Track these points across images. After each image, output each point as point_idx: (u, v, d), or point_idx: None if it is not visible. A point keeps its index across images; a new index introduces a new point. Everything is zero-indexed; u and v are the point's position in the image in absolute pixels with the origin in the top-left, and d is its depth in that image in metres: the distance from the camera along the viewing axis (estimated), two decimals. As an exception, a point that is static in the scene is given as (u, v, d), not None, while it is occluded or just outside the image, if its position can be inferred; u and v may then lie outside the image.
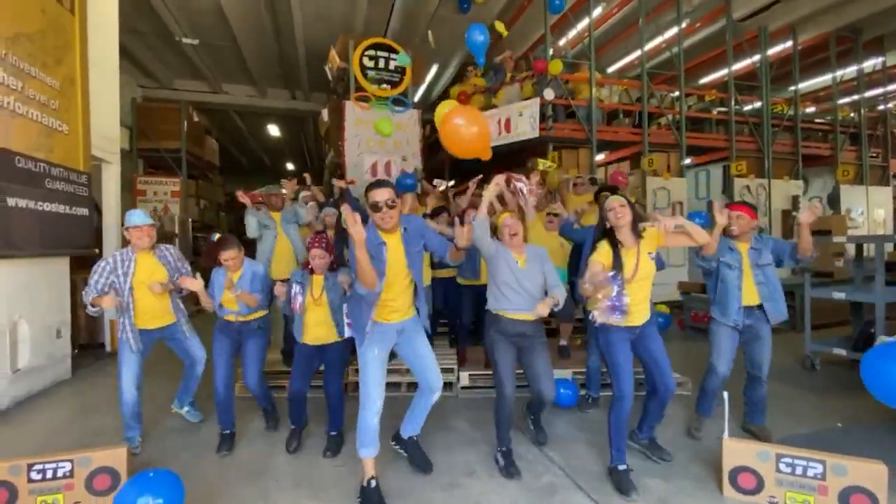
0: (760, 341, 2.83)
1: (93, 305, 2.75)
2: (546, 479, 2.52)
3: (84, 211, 4.65)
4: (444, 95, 10.45)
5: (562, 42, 8.21)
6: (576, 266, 3.65)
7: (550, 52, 6.80)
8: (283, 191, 4.32)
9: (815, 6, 7.63)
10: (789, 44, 8.53)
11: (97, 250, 5.12)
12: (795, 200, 8.33)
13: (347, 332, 2.83)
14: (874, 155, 9.38)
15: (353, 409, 3.28)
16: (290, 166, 20.54)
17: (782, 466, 2.19)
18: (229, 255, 2.88)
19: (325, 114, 8.47)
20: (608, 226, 2.48)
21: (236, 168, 18.78)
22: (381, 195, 2.22)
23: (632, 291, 2.43)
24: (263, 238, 4.10)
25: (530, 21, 7.98)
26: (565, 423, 3.21)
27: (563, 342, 4.13)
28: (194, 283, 2.88)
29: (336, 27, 8.01)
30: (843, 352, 4.03)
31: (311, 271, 2.87)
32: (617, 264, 2.39)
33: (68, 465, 2.20)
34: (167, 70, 10.13)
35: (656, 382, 2.56)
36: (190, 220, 8.75)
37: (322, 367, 2.97)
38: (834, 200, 8.90)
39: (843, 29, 8.43)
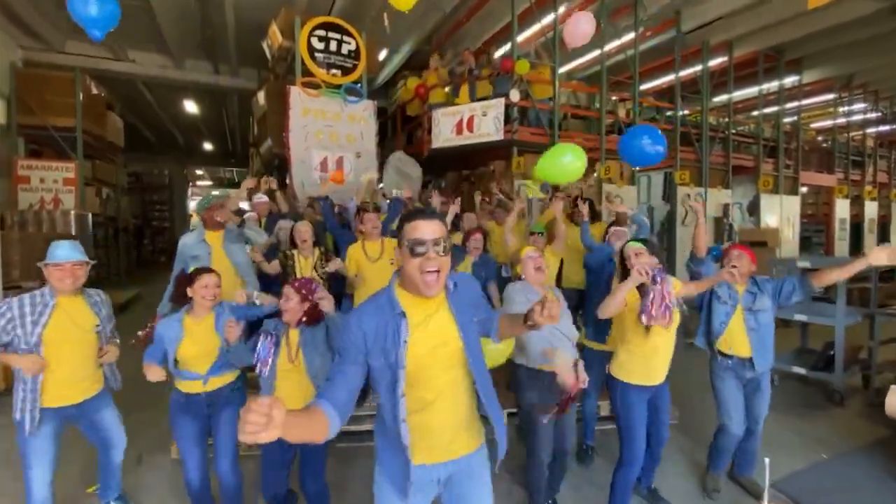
0: (760, 392, 2.72)
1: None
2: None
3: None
4: (392, 83, 9.77)
5: (521, 38, 7.93)
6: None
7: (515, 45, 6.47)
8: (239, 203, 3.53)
9: (749, 26, 8.12)
10: (726, 58, 9.04)
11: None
12: (726, 208, 8.92)
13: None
14: (787, 166, 10.33)
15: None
16: (207, 146, 18.47)
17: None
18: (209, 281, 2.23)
19: (261, 96, 7.50)
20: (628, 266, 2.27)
21: (142, 145, 16.43)
22: (428, 229, 1.26)
23: (655, 339, 2.26)
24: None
25: (489, 15, 7.59)
26: (572, 476, 2.89)
27: None
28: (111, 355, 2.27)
29: (275, -1, 7.02)
30: (802, 370, 4.24)
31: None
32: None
33: None
34: (56, 30, 8.31)
35: (650, 434, 2.43)
36: (90, 214, 7.26)
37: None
38: (754, 207, 9.71)
39: (771, 48, 9.13)
